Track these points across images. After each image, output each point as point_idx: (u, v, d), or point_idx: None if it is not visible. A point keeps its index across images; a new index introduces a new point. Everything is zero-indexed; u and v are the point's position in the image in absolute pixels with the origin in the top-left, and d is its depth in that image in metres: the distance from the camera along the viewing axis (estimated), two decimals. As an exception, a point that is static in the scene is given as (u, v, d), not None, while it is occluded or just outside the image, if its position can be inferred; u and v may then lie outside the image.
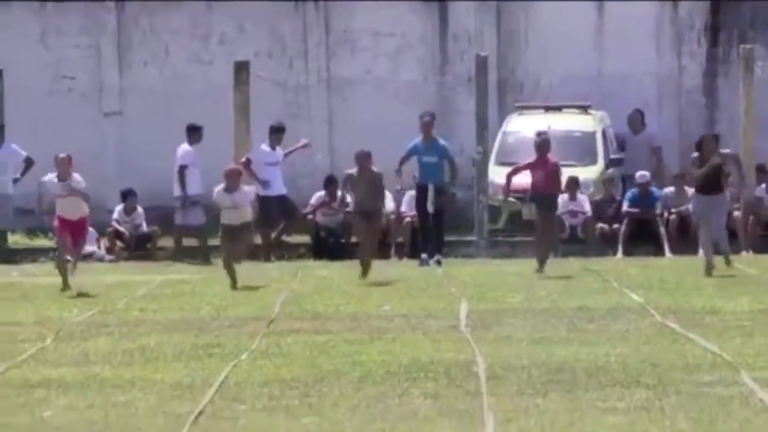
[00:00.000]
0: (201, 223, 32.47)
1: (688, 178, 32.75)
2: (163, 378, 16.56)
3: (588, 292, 22.18)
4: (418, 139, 32.53)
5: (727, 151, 26.54)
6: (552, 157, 26.59)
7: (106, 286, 27.50)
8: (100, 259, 33.84)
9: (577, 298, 22.30)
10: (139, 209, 35.47)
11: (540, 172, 24.47)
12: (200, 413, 14.07)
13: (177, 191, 32.96)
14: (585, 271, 27.06)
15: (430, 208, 31.79)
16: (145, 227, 35.30)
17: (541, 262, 24.72)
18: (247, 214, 23.94)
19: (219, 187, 23.81)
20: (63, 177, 21.85)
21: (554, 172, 26.19)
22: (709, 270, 25.32)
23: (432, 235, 32.35)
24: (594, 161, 33.11)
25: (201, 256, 32.20)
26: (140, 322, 21.64)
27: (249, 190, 24.36)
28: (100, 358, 17.97)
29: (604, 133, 33.82)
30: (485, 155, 34.00)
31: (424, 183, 31.94)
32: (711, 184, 23.43)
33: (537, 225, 25.45)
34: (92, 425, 13.36)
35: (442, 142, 32.88)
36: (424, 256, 31.34)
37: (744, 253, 32.40)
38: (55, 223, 23.08)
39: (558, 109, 34.64)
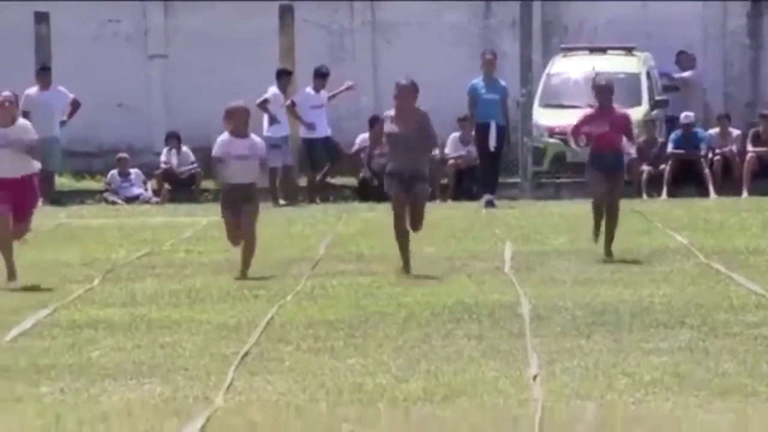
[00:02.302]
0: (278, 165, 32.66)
1: (734, 120, 33.70)
2: (209, 319, 16.71)
3: (632, 233, 22.07)
4: (477, 78, 32.25)
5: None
6: (620, 111, 21.84)
7: (153, 228, 27.53)
8: (147, 201, 34.03)
9: (622, 239, 21.83)
10: (187, 150, 35.67)
11: (604, 124, 19.59)
12: (246, 354, 14.35)
13: (266, 132, 32.56)
14: (629, 213, 26.18)
15: (491, 146, 32.01)
16: (193, 168, 35.71)
17: (608, 244, 20.28)
18: (257, 170, 18.82)
19: (224, 135, 18.98)
20: (3, 123, 16.70)
21: (623, 124, 20.80)
22: None
23: (489, 174, 32.64)
24: (639, 102, 32.86)
25: (271, 197, 32.15)
26: (186, 263, 21.80)
27: (260, 140, 19.33)
28: (146, 299, 18.13)
29: (648, 75, 33.76)
30: (530, 97, 34.00)
31: (486, 121, 31.61)
32: None
33: (597, 194, 19.83)
34: (139, 365, 13.56)
35: (503, 82, 32.71)
36: (489, 197, 31.02)
37: None
38: None
39: (602, 50, 34.54)
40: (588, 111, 19.50)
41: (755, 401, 12.02)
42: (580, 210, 26.59)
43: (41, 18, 35.50)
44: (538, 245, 24.24)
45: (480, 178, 32.63)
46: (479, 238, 24.52)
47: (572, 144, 20.82)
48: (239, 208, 17.75)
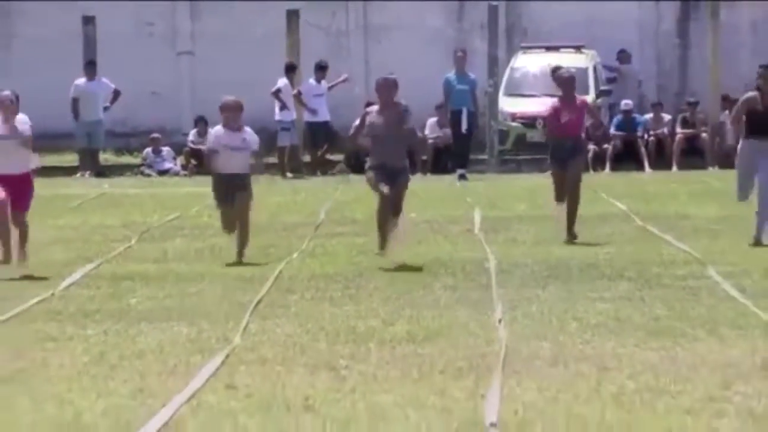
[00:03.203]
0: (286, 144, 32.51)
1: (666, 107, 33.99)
2: (228, 272, 16.94)
3: (581, 202, 20.80)
4: (451, 72, 32.55)
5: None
6: (581, 99, 20.57)
7: (181, 196, 27.64)
8: (176, 174, 34.14)
9: None
10: (210, 131, 35.39)
11: (567, 113, 18.47)
12: (259, 302, 14.66)
13: (277, 116, 32.86)
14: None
15: (463, 129, 32.15)
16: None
17: (571, 226, 18.81)
18: (248, 160, 16.59)
19: (217, 127, 16.90)
20: (5, 120, 14.54)
21: (584, 111, 19.82)
22: None
23: (461, 152, 32.93)
24: (587, 92, 32.32)
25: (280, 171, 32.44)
26: (209, 226, 21.40)
27: (252, 132, 16.92)
28: (176, 256, 18.37)
29: (594, 69, 33.86)
30: (496, 88, 34.00)
31: (458, 108, 31.98)
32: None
33: (558, 180, 18.67)
34: (169, 311, 13.91)
35: (472, 75, 32.99)
36: (461, 172, 31.30)
37: (710, 168, 32.68)
38: None
39: (556, 48, 34.49)
40: (555, 103, 18.57)
41: (683, 341, 12.41)
42: (539, 182, 26.88)
43: (89, 20, 35.34)
44: (503, 211, 24.11)
45: (454, 155, 32.71)
46: (453, 206, 24.56)
47: (544, 133, 19.75)
48: (232, 197, 15.98)
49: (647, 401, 10.22)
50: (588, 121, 29.02)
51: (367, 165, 14.52)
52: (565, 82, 19.66)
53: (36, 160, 15.41)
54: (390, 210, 14.72)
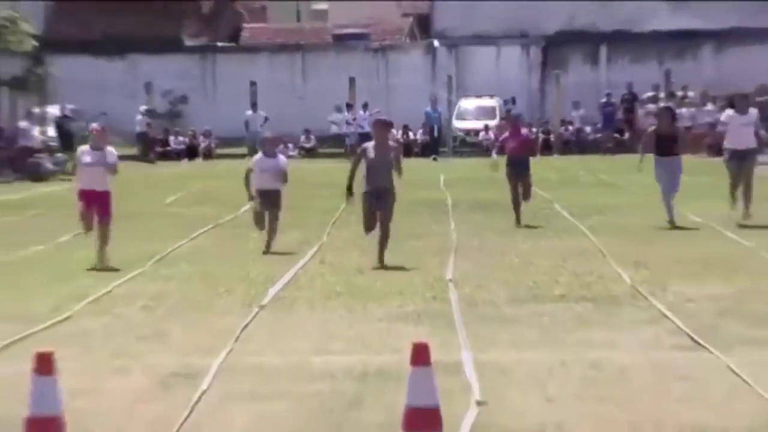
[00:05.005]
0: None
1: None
2: (318, 206, 18.45)
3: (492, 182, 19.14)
4: (428, 108, 37.01)
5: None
6: (525, 130, 19.00)
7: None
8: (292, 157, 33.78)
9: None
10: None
11: (513, 141, 17.07)
12: (334, 222, 16.47)
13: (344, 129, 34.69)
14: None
15: (435, 135, 36.03)
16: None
17: (518, 216, 16.87)
18: (278, 180, 14.14)
19: (259, 154, 14.67)
20: (97, 147, 12.75)
21: (527, 140, 18.21)
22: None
23: (434, 146, 35.53)
24: (494, 118, 36.75)
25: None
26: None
27: (284, 158, 14.83)
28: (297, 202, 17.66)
29: (498, 107, 37.27)
30: (450, 116, 37.78)
31: (432, 125, 36.49)
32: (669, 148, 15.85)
33: (513, 185, 16.99)
34: (289, 227, 14.93)
35: (440, 109, 37.04)
36: (434, 156, 34.20)
37: (555, 155, 34.92)
38: (78, 192, 12.90)
39: (480, 96, 38.03)
40: (506, 134, 17.24)
41: (543, 238, 14.87)
42: (475, 162, 28.72)
43: (253, 83, 38.42)
44: (455, 175, 26.08)
45: (430, 148, 35.77)
46: (429, 173, 26.32)
47: (494, 154, 17.86)
48: (266, 206, 13.77)
49: (535, 260, 12.59)
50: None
51: (363, 189, 12.06)
52: (512, 119, 18.31)
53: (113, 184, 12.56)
54: (372, 228, 12.15)
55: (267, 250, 13.16)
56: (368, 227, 11.77)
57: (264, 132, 29.91)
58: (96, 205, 12.07)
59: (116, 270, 12.12)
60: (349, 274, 11.41)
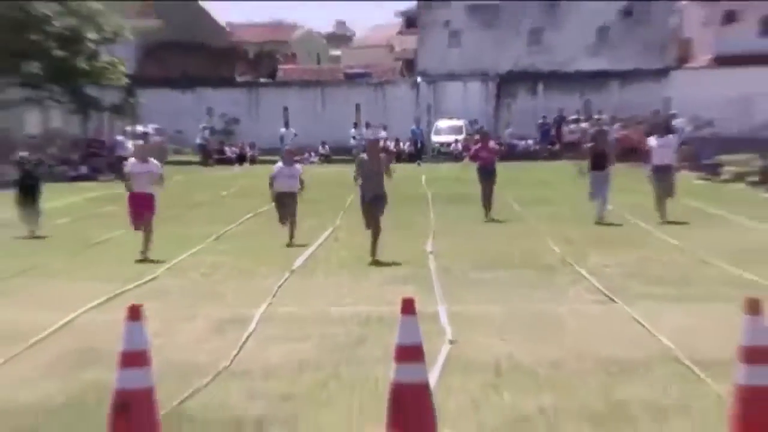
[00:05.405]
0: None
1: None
2: (327, 200, 17.19)
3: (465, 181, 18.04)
4: (414, 126, 36.52)
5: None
6: (492, 142, 17.46)
7: (320, 173, 26.54)
8: (313, 162, 34.02)
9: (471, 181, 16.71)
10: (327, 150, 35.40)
11: (485, 152, 16.04)
12: (344, 210, 15.54)
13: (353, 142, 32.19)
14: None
15: (418, 146, 35.63)
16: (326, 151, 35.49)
17: (487, 211, 15.68)
18: (296, 185, 13.01)
19: (279, 163, 13.62)
20: (142, 160, 11.90)
21: (495, 151, 16.72)
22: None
23: (419, 153, 35.09)
24: (461, 134, 36.24)
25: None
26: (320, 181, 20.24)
27: (299, 166, 13.75)
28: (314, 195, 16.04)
29: (464, 126, 36.74)
30: (430, 132, 37.46)
31: (416, 139, 36.24)
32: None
33: (483, 187, 15.87)
34: (306, 215, 13.72)
35: (422, 127, 36.87)
36: (419, 161, 33.46)
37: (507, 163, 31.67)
38: (128, 196, 11.81)
39: (450, 118, 37.36)
40: (478, 146, 16.14)
41: (503, 218, 14.48)
42: (448, 167, 27.51)
43: (285, 109, 37.69)
44: (434, 176, 25.11)
45: (416, 155, 35.20)
46: (413, 175, 25.08)
47: (466, 159, 16.79)
48: (286, 205, 12.92)
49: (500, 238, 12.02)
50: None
51: (360, 195, 11.14)
52: (482, 135, 17.09)
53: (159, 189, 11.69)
54: (370, 226, 11.05)
55: (290, 242, 12.24)
56: (368, 224, 10.94)
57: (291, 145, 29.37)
58: (143, 204, 11.34)
59: (184, 245, 12.03)
60: (355, 250, 11.12)
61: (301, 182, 12.46)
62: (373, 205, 10.66)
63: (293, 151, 13.92)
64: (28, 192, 13.48)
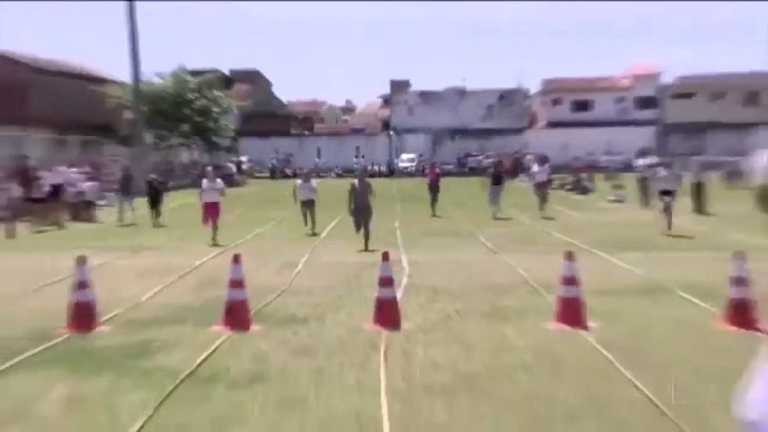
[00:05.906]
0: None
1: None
2: (336, 199, 13.37)
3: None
4: (387, 158, 34.54)
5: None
6: (437, 168, 15.49)
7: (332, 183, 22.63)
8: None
9: (420, 193, 16.04)
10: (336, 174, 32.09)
11: (432, 174, 14.55)
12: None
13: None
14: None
15: (391, 169, 32.97)
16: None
17: (433, 210, 13.91)
18: (314, 194, 11.43)
19: (299, 180, 12.18)
20: (211, 180, 10.43)
21: (439, 174, 14.83)
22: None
23: (391, 174, 32.51)
24: (414, 162, 34.34)
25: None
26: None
27: (315, 182, 11.98)
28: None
29: (416, 158, 34.94)
30: (397, 161, 35.28)
31: (389, 165, 33.67)
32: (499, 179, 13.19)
33: (431, 197, 14.26)
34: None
35: (394, 159, 34.84)
36: (390, 177, 30.00)
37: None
38: (203, 204, 10.56)
39: (408, 154, 35.95)
40: (428, 170, 14.65)
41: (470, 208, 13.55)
42: (412, 181, 24.95)
43: (318, 149, 36.84)
44: (402, 186, 23.18)
45: (388, 174, 32.78)
46: (386, 186, 22.10)
47: (422, 179, 15.31)
48: (308, 209, 11.44)
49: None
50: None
51: (351, 207, 9.46)
52: (431, 164, 15.66)
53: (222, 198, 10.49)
54: (359, 229, 9.49)
55: (313, 233, 10.94)
56: (357, 228, 9.55)
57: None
58: (212, 210, 10.46)
59: (261, 223, 12.27)
60: (353, 231, 9.94)
61: (315, 193, 11.62)
62: (361, 215, 9.49)
63: (309, 173, 12.85)
64: (153, 199, 13.25)
